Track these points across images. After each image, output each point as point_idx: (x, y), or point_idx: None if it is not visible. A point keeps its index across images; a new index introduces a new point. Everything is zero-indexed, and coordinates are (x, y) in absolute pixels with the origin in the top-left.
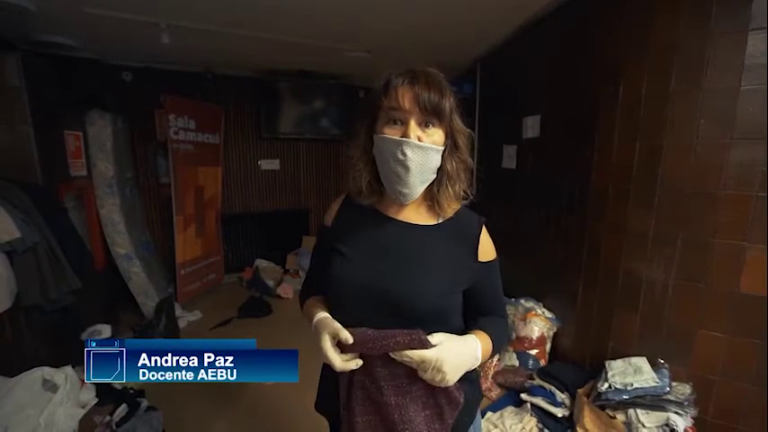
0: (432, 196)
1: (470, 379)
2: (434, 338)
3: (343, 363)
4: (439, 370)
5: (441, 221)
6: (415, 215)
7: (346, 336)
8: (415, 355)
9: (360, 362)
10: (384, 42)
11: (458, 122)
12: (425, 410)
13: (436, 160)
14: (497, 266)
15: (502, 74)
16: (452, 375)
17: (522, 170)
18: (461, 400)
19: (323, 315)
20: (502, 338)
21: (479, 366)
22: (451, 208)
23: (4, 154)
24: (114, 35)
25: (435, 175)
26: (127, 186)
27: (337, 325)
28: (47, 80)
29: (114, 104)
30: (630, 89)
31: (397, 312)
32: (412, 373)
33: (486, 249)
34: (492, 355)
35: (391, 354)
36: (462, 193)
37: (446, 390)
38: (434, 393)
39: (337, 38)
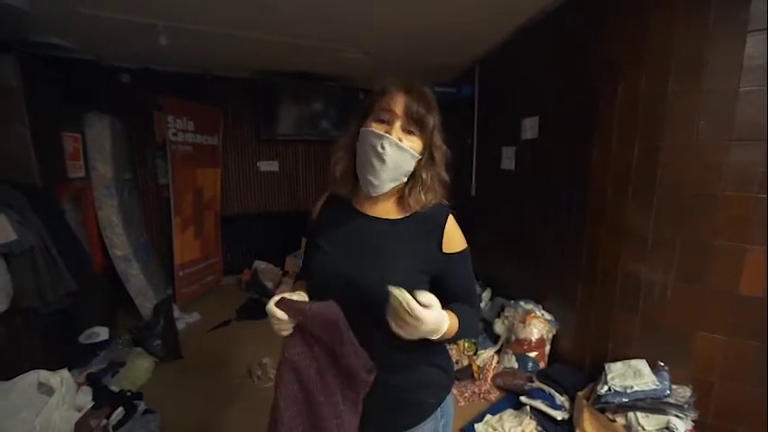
0: (402, 196)
1: (440, 365)
2: (425, 297)
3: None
4: (416, 320)
5: (408, 215)
6: (384, 210)
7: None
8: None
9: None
10: (382, 44)
11: (437, 139)
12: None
13: (410, 165)
14: (467, 257)
15: (500, 75)
16: (424, 328)
17: (521, 171)
18: (370, 379)
19: (286, 291)
20: (469, 323)
21: (447, 344)
22: (419, 203)
23: (1, 155)
24: (111, 36)
25: (406, 180)
26: (125, 188)
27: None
28: (44, 82)
29: (112, 106)
30: (629, 90)
31: (361, 300)
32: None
33: (453, 240)
34: (457, 337)
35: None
36: (432, 203)
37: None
38: (343, 368)
39: (336, 39)
